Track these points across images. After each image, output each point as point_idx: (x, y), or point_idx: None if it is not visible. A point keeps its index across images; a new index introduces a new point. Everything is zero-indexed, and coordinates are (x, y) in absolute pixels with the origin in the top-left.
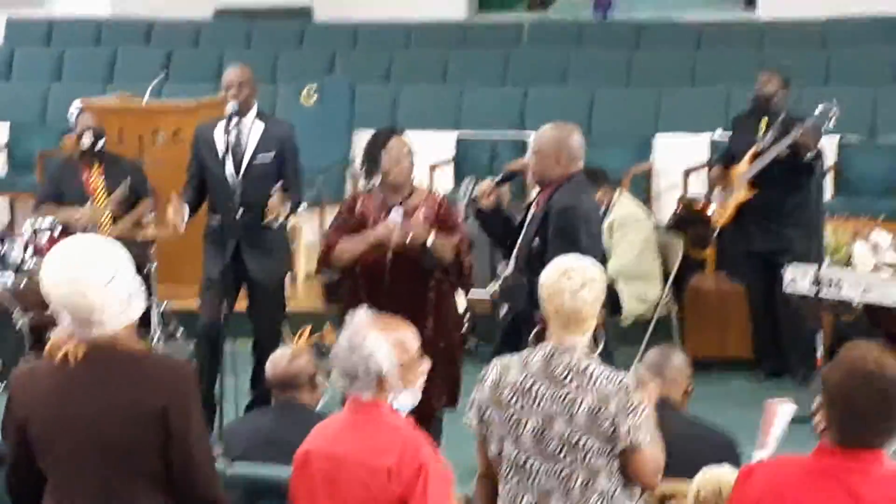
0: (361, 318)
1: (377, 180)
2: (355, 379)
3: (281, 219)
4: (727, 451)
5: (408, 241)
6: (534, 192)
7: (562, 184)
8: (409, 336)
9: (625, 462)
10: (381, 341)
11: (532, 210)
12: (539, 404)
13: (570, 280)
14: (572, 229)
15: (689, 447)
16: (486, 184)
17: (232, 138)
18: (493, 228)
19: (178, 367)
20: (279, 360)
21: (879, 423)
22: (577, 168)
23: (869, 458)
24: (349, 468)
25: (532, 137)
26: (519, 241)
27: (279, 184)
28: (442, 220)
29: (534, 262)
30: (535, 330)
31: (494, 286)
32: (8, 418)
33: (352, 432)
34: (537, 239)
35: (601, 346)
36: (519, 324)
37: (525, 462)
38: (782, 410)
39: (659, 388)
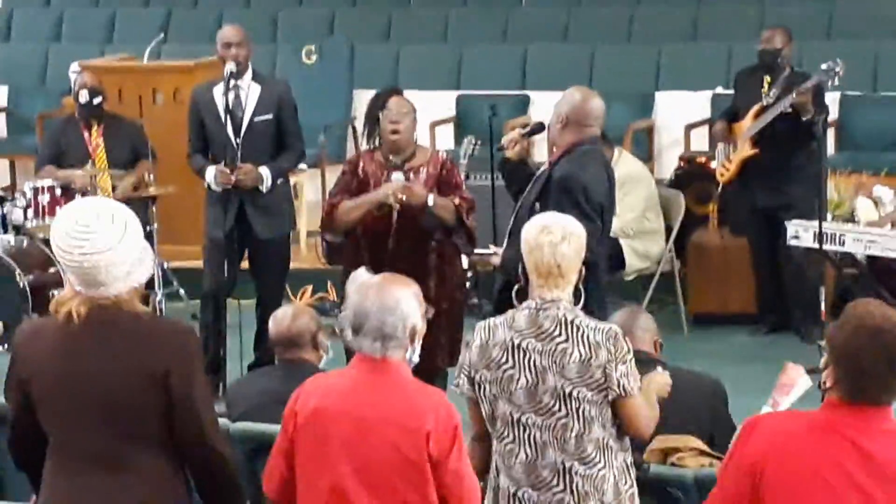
0: (372, 277)
1: (378, 141)
2: (390, 339)
3: (262, 187)
4: (714, 394)
5: (407, 202)
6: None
7: (570, 150)
8: (420, 292)
9: (616, 411)
10: (412, 299)
11: (541, 170)
12: (529, 360)
13: (549, 235)
14: (567, 200)
15: (675, 395)
16: (514, 133)
17: (230, 99)
18: (514, 181)
19: (181, 329)
20: (282, 319)
21: (886, 379)
22: (588, 134)
23: (876, 415)
24: (378, 430)
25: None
26: (521, 199)
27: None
28: (445, 180)
29: None
30: (516, 286)
31: (495, 257)
32: (11, 375)
33: (375, 392)
34: (538, 204)
35: (582, 301)
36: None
37: (519, 418)
38: (801, 381)
39: (639, 342)
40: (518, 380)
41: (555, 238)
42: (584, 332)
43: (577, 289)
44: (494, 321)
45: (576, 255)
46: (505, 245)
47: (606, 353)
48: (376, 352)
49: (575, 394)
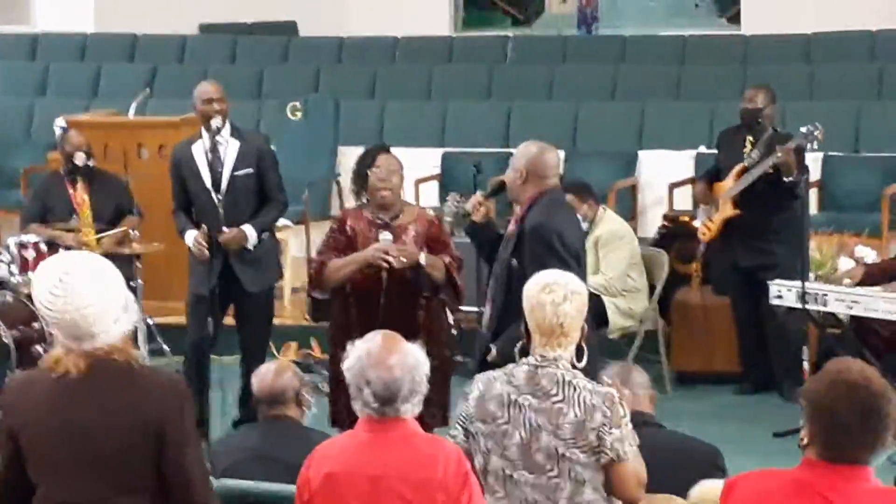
0: (386, 338)
1: (366, 198)
2: (407, 400)
3: (249, 245)
4: (711, 462)
5: (397, 265)
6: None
7: (535, 202)
8: None
9: (608, 475)
10: (417, 349)
11: (509, 227)
12: (525, 417)
13: (551, 293)
14: (543, 248)
15: (673, 460)
16: (477, 196)
17: (210, 156)
18: (482, 242)
19: (174, 380)
20: (265, 375)
21: (863, 436)
22: (549, 186)
23: (854, 474)
24: (389, 486)
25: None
26: (497, 258)
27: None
28: (433, 238)
29: (513, 282)
30: (518, 344)
31: (493, 354)
32: (0, 427)
33: (387, 450)
34: (514, 260)
35: (585, 360)
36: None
37: (512, 475)
38: None
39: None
40: (512, 435)
41: (557, 297)
42: (581, 393)
43: (579, 347)
44: (493, 374)
45: (578, 313)
46: (488, 312)
47: (601, 416)
48: (406, 413)
49: (568, 454)
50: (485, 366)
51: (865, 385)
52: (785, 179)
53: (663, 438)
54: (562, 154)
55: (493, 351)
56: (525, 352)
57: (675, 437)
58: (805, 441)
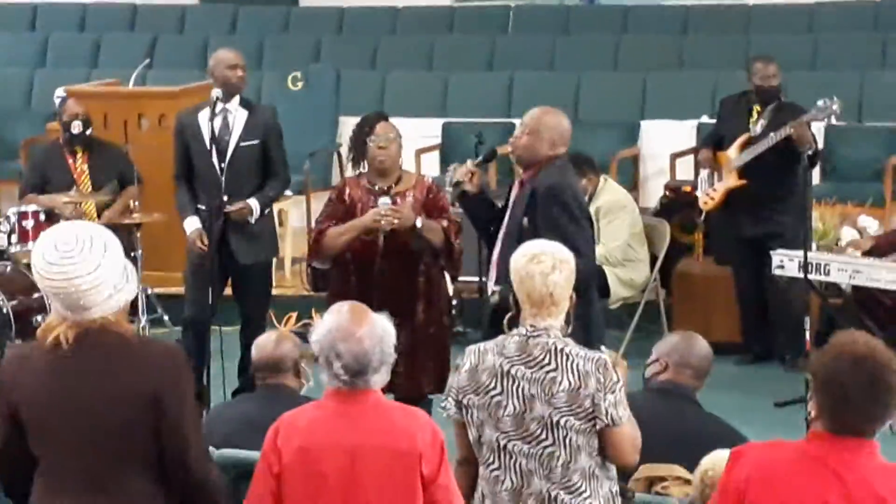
0: (354, 309)
1: (364, 166)
2: (377, 371)
3: (252, 218)
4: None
5: (396, 224)
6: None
7: (546, 165)
8: None
9: (603, 440)
10: (382, 319)
11: (514, 191)
12: (518, 387)
13: (540, 263)
14: (559, 208)
15: (703, 443)
16: (468, 165)
17: (217, 125)
18: (476, 212)
19: (171, 350)
20: (264, 344)
21: (869, 408)
22: (562, 151)
23: (860, 447)
24: (370, 457)
25: (523, 118)
26: (505, 222)
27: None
28: (431, 204)
29: (525, 242)
30: (508, 315)
31: (493, 296)
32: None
33: (362, 421)
34: (526, 219)
35: (571, 327)
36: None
37: (506, 445)
38: None
39: (681, 376)
40: (506, 406)
41: (545, 267)
42: (573, 360)
43: (567, 315)
44: (485, 346)
45: (567, 282)
46: (493, 277)
47: (595, 382)
48: (376, 384)
49: (562, 423)
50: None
51: (871, 357)
52: (801, 150)
53: (699, 420)
54: None
55: (496, 295)
56: (514, 322)
57: (711, 420)
58: (813, 414)
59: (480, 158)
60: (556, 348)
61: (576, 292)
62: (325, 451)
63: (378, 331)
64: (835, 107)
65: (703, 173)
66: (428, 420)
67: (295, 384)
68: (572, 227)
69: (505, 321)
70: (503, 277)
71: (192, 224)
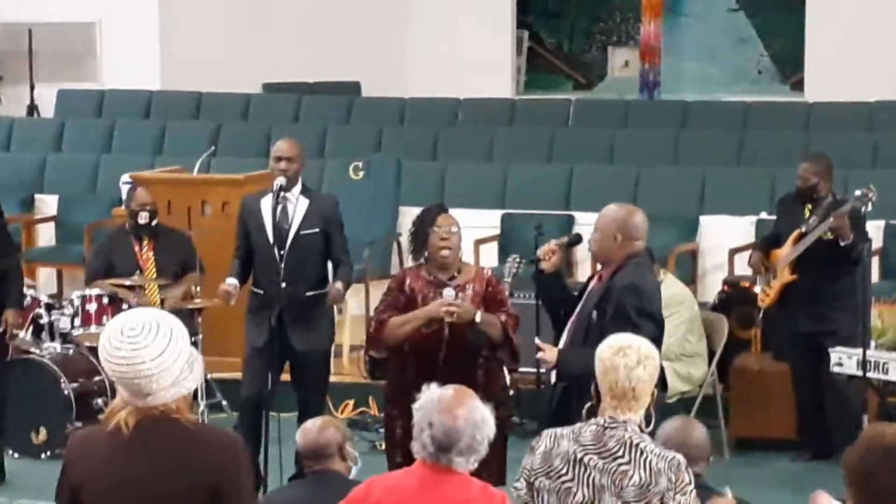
0: (460, 390)
1: (425, 257)
2: (462, 454)
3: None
4: None
5: (456, 318)
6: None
7: (624, 264)
8: None
9: None
10: (489, 414)
11: (592, 284)
12: (589, 476)
13: (625, 357)
14: (632, 308)
15: None
16: (550, 244)
17: (278, 212)
18: (548, 292)
19: (230, 439)
20: (309, 430)
21: None
22: (638, 248)
23: None
24: None
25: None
26: (576, 312)
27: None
28: (490, 297)
29: (591, 337)
30: (587, 405)
31: (543, 355)
32: (63, 482)
33: (437, 490)
34: (595, 312)
35: (652, 425)
36: (570, 396)
37: None
38: None
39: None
40: (575, 494)
41: (630, 361)
42: (647, 457)
43: (647, 412)
44: (561, 431)
45: (650, 378)
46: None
47: (667, 481)
48: (460, 466)
49: None
50: (556, 421)
51: None
52: (841, 243)
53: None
54: None
55: (549, 354)
56: (592, 412)
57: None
58: None
59: (566, 240)
60: (631, 442)
61: None
62: None
63: (476, 416)
64: (871, 194)
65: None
66: (503, 496)
67: (342, 468)
68: (644, 326)
69: (584, 411)
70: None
71: (230, 282)
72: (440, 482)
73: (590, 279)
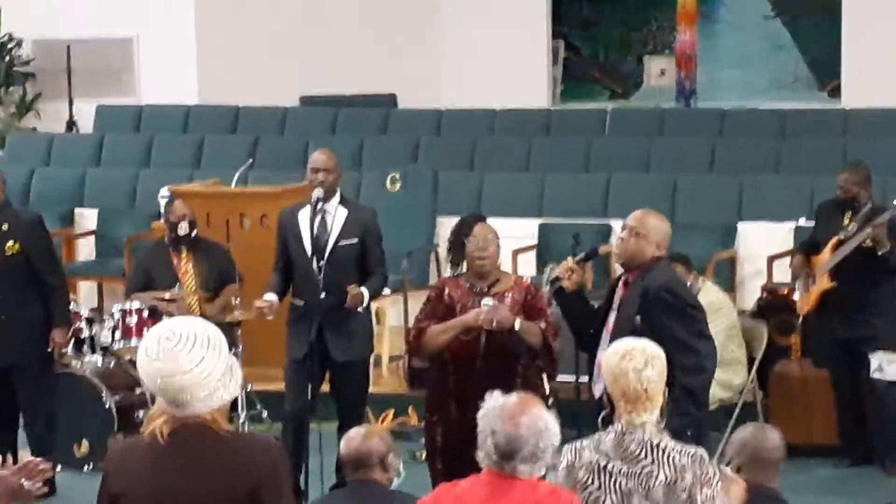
0: (524, 398)
1: (463, 267)
2: (526, 461)
3: (362, 305)
4: None
5: (495, 326)
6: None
7: (651, 266)
8: None
9: None
10: (553, 421)
11: (619, 291)
12: (615, 482)
13: (632, 360)
14: (680, 302)
15: None
16: (568, 262)
17: (316, 223)
18: (572, 310)
19: (268, 446)
20: (352, 439)
21: None
22: (664, 253)
23: None
24: None
25: (627, 220)
26: (612, 321)
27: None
28: (529, 305)
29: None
30: (602, 413)
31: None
32: (103, 492)
33: (503, 497)
34: (639, 317)
35: (665, 420)
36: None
37: None
38: None
39: (759, 476)
40: (604, 502)
41: (638, 364)
42: (670, 454)
43: (662, 410)
44: (581, 443)
45: (660, 377)
46: (598, 377)
47: (692, 476)
48: (524, 474)
49: None
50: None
51: None
52: (879, 252)
53: None
54: None
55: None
56: (608, 420)
57: None
58: None
59: (582, 256)
60: (651, 443)
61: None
62: None
63: (540, 424)
64: None
65: (800, 277)
66: (571, 498)
67: (383, 478)
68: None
69: (600, 420)
70: None
71: (267, 296)
72: (508, 488)
73: (612, 289)
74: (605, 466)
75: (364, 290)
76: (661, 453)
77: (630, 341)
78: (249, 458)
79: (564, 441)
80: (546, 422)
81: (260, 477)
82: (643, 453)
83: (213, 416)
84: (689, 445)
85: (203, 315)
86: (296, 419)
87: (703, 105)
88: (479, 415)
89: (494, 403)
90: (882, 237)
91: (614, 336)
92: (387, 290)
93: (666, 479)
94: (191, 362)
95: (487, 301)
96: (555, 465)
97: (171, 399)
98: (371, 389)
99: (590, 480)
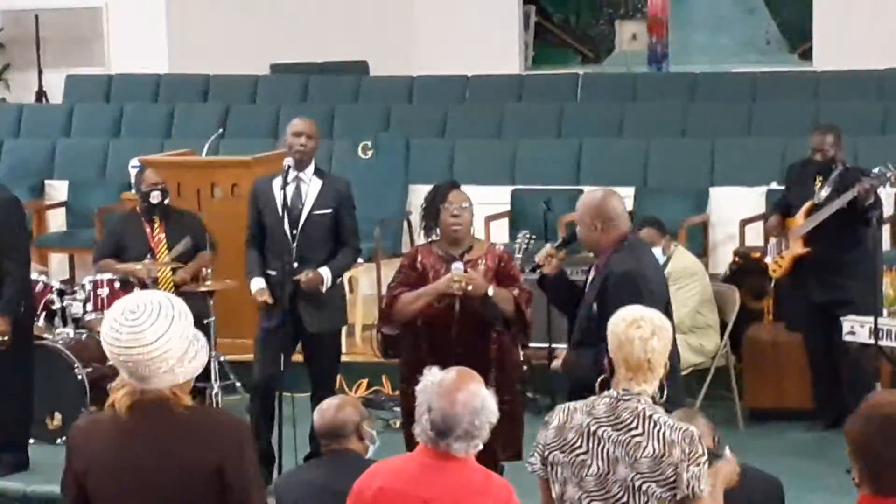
0: (462, 374)
1: (437, 234)
2: (461, 439)
3: (323, 288)
4: (774, 491)
5: (469, 291)
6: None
7: (617, 248)
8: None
9: None
10: (491, 396)
11: (591, 275)
12: (603, 448)
13: (640, 329)
14: (632, 295)
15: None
16: (547, 249)
17: (290, 192)
18: (556, 295)
19: (233, 422)
20: (326, 410)
21: None
22: (623, 230)
23: None
24: None
25: None
26: (581, 308)
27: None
28: (503, 272)
29: (591, 329)
30: (600, 378)
31: (556, 363)
32: (68, 469)
33: (440, 477)
34: (595, 304)
35: (665, 395)
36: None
37: None
38: None
39: None
40: (590, 466)
41: (645, 332)
42: (660, 428)
43: (661, 383)
44: (574, 405)
45: (664, 349)
46: (567, 350)
47: (680, 452)
48: (459, 451)
49: (644, 488)
50: (574, 396)
51: None
52: (864, 205)
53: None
54: (632, 191)
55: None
56: (606, 385)
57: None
58: (856, 479)
59: (560, 242)
60: (644, 414)
61: None
62: (403, 496)
63: (476, 402)
64: (890, 174)
65: (773, 240)
66: (506, 484)
67: (359, 447)
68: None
69: (597, 384)
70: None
71: (257, 283)
72: (441, 468)
73: (589, 269)
74: (595, 431)
75: (324, 271)
76: (652, 425)
77: (639, 309)
78: (216, 435)
79: (537, 410)
80: (483, 399)
81: (225, 457)
82: (635, 423)
83: (173, 391)
84: (683, 423)
85: (175, 284)
86: (264, 388)
87: (674, 69)
88: (418, 389)
89: (433, 378)
90: (870, 191)
91: (579, 323)
92: (359, 259)
93: (654, 451)
94: (151, 336)
95: (458, 265)
96: (546, 423)
97: (132, 372)
98: (344, 358)
99: (579, 443)
